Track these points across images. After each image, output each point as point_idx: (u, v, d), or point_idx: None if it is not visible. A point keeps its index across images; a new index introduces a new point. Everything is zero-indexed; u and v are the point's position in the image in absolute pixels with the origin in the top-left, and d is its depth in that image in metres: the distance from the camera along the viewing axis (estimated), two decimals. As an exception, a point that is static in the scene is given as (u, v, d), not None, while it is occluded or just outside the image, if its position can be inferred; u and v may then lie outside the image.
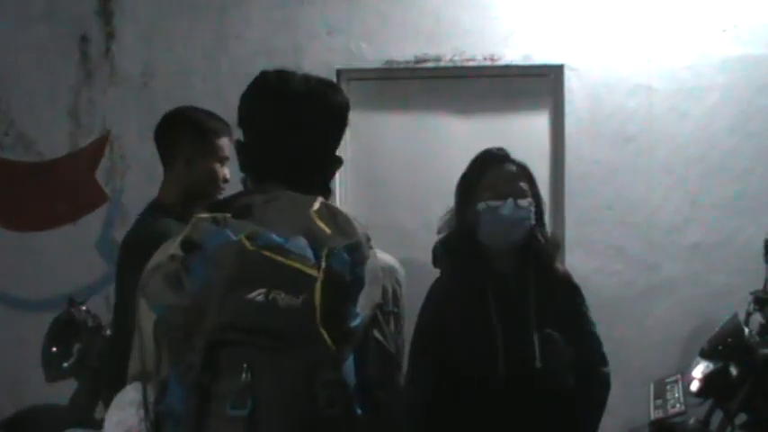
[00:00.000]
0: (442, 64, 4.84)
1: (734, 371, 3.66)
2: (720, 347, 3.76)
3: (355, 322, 1.56)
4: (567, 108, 4.80)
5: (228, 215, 1.66)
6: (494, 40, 4.81)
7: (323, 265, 1.53)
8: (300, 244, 1.56)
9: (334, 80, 4.76)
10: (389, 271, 1.87)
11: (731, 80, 4.75)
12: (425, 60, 4.84)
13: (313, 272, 1.51)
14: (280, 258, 1.52)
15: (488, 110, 4.91)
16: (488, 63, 4.82)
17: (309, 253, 1.55)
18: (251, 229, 1.58)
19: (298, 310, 1.48)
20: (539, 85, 4.92)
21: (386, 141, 4.99)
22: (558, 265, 3.10)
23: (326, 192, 1.92)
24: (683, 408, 3.77)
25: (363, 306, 1.61)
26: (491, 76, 4.91)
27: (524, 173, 2.99)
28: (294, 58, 4.81)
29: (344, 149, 4.84)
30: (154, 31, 4.98)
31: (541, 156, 4.86)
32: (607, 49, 4.78)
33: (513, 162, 3.00)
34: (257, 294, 1.49)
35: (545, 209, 3.07)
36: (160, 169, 3.05)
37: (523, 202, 2.90)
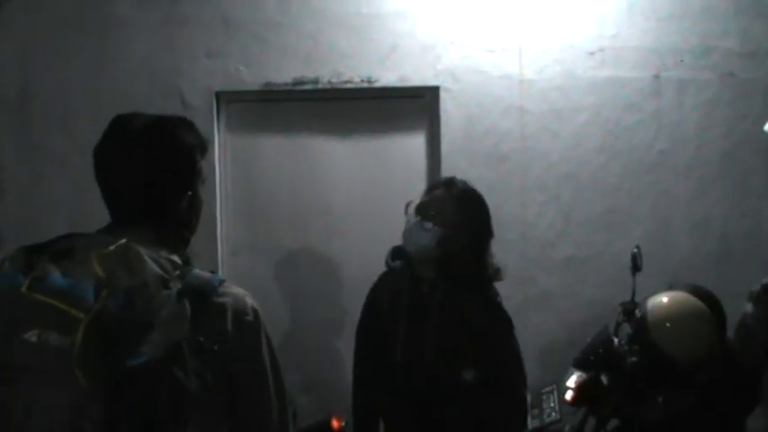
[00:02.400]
0: (320, 86, 4.88)
1: (605, 379, 3.78)
2: (592, 357, 3.87)
3: (138, 361, 1.60)
4: (443, 128, 4.89)
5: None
6: (370, 62, 4.87)
7: (96, 306, 1.60)
8: (83, 287, 1.63)
9: (213, 102, 4.79)
10: (234, 310, 1.87)
11: (599, 101, 4.93)
12: (303, 83, 4.87)
13: (79, 314, 1.58)
14: (52, 301, 1.60)
15: (366, 131, 4.98)
16: (365, 85, 4.88)
17: (90, 295, 1.62)
18: (40, 272, 1.66)
19: (67, 349, 1.55)
20: (415, 106, 5.00)
21: (265, 163, 4.99)
22: (485, 288, 3.53)
23: (165, 230, 1.95)
24: (558, 416, 3.94)
25: (155, 345, 1.63)
26: (368, 98, 4.97)
27: (460, 204, 3.33)
28: (174, 79, 4.78)
29: (225, 171, 4.88)
30: (32, 49, 4.83)
31: (418, 175, 4.94)
32: (480, 71, 4.90)
33: (455, 191, 3.36)
34: (31, 335, 1.57)
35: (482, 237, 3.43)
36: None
37: (428, 225, 3.25)
